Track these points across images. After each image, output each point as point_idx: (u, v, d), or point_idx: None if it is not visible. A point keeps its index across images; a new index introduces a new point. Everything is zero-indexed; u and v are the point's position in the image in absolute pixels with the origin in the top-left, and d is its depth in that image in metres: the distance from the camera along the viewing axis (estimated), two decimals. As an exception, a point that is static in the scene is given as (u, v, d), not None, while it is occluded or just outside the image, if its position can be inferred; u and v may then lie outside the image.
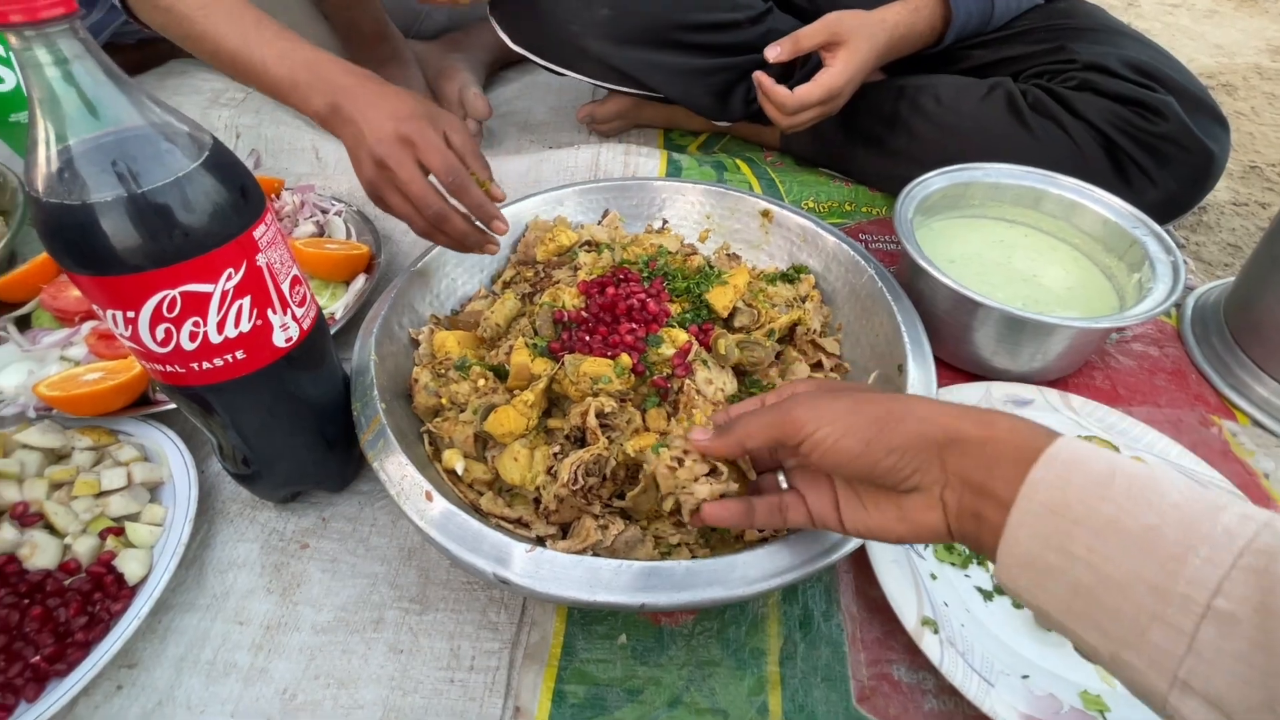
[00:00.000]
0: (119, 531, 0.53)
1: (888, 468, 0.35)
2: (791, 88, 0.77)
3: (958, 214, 0.77)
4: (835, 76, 0.76)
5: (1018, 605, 0.50)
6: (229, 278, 0.41)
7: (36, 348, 0.66)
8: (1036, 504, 0.30)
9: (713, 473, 0.43)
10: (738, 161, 0.95)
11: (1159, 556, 0.27)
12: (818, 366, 0.63)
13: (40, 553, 0.51)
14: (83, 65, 0.35)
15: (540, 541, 0.49)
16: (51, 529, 0.53)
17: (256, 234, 0.43)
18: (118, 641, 0.47)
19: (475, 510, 0.51)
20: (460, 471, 0.53)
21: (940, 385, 0.58)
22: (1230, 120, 0.81)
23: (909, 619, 0.48)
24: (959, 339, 0.67)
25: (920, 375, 0.55)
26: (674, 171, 0.92)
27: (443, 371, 0.58)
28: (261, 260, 0.43)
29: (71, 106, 0.35)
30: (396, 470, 0.49)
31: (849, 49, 0.76)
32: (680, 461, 0.43)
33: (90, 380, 0.60)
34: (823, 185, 0.91)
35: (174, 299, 0.40)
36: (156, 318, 0.40)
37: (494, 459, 0.53)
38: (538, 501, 0.51)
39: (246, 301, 0.43)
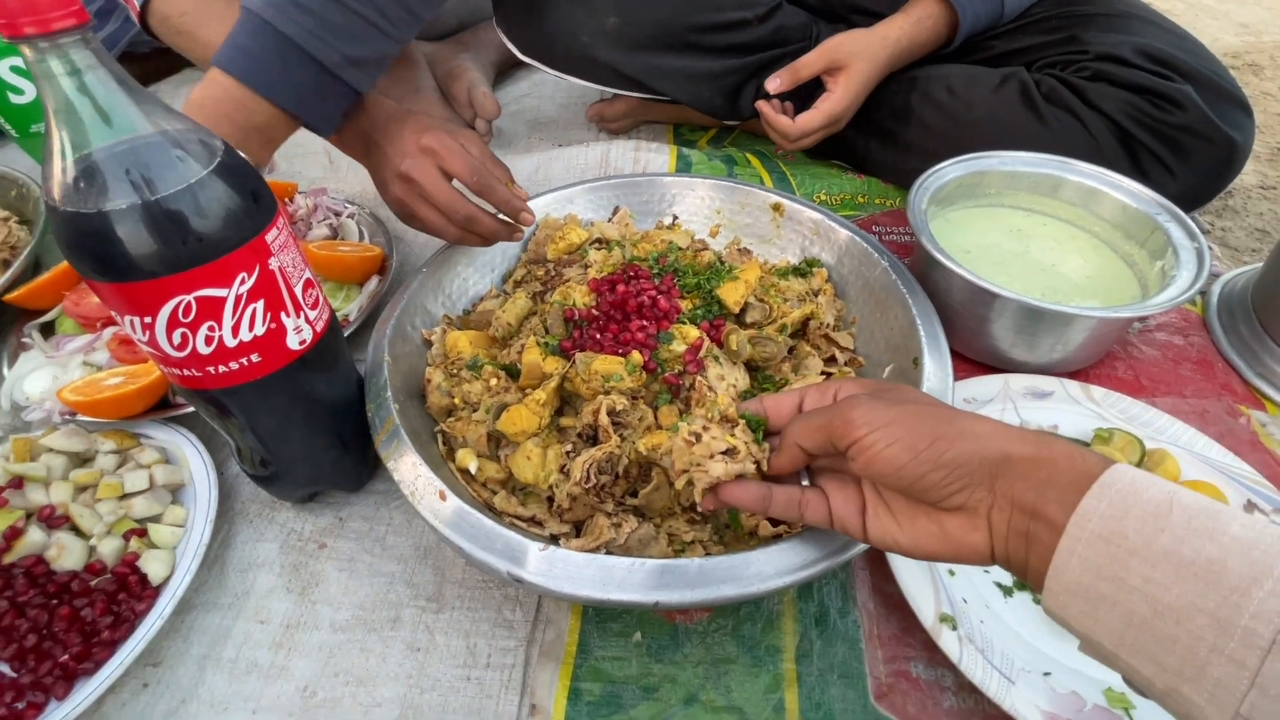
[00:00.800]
0: (142, 533, 0.54)
1: (933, 482, 0.34)
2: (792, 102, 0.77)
3: (973, 203, 0.76)
4: (837, 102, 0.78)
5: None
6: (242, 282, 0.42)
7: (60, 354, 0.67)
8: (1089, 532, 0.29)
9: (729, 452, 0.41)
10: (748, 155, 0.94)
11: (1220, 588, 0.26)
12: (831, 361, 0.62)
13: (67, 554, 0.52)
14: (95, 75, 0.35)
15: (554, 540, 0.50)
16: (77, 531, 0.54)
17: (269, 238, 0.43)
18: (143, 640, 0.48)
19: (489, 509, 0.52)
20: (474, 471, 0.53)
21: (957, 378, 0.57)
22: (1257, 101, 0.79)
23: (927, 615, 0.47)
24: (976, 331, 0.66)
25: (936, 369, 0.54)
26: (684, 167, 0.91)
27: (455, 371, 0.58)
28: (274, 264, 0.44)
29: (85, 116, 0.36)
30: (410, 470, 0.49)
31: (849, 73, 0.77)
32: (698, 436, 0.42)
33: (112, 385, 0.61)
34: (834, 178, 0.90)
35: (189, 304, 0.40)
36: (172, 323, 0.41)
37: (507, 458, 0.53)
38: (551, 500, 0.51)
39: (260, 305, 0.43)
